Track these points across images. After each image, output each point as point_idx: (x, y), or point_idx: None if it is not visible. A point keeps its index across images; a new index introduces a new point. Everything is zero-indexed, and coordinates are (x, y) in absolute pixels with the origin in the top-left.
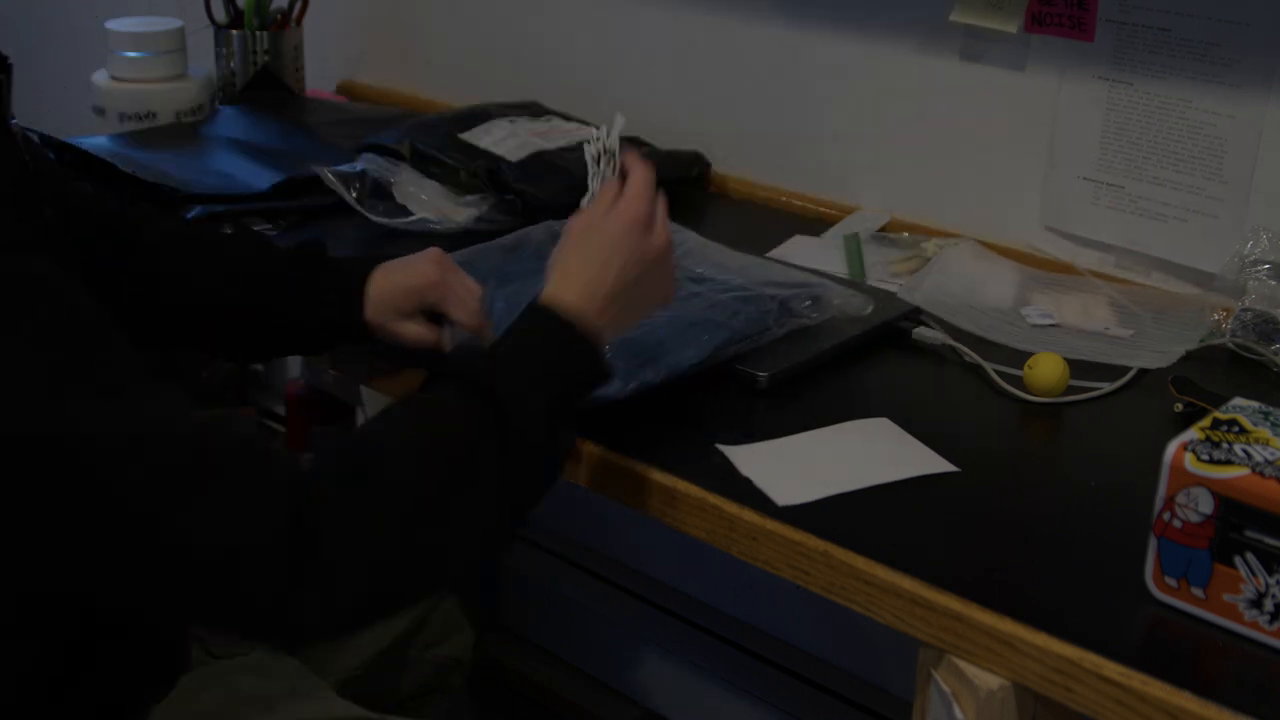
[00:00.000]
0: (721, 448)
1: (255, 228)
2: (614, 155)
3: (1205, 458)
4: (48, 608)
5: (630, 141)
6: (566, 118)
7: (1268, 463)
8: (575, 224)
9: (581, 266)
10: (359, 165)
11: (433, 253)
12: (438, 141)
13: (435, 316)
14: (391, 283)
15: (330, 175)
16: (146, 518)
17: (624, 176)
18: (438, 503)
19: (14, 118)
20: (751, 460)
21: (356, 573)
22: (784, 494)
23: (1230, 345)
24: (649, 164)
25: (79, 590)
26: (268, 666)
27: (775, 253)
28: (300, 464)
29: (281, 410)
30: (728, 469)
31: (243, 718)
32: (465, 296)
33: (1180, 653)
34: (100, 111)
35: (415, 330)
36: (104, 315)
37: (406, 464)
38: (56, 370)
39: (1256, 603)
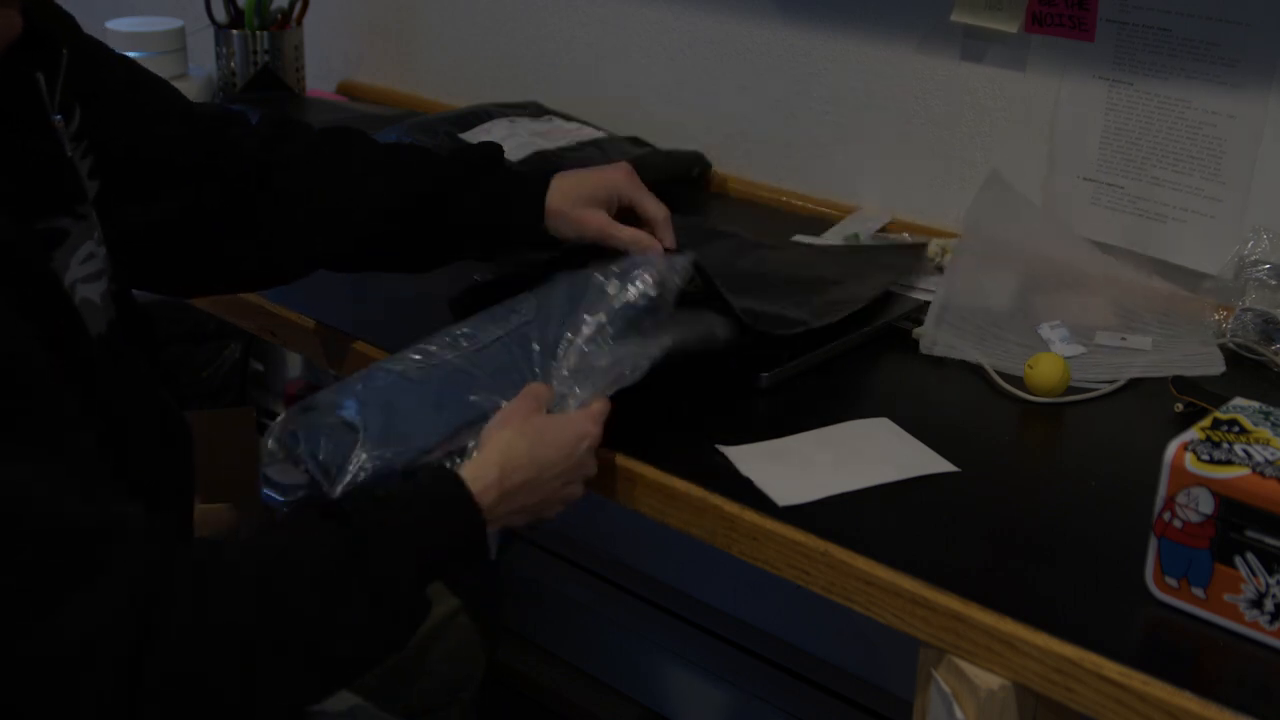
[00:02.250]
0: (721, 448)
1: None
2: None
3: (1206, 458)
4: None
5: (630, 141)
6: (567, 118)
7: (1268, 463)
8: (523, 409)
9: (507, 451)
10: None
11: (624, 165)
12: (438, 142)
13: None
14: (578, 178)
15: None
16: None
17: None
18: (274, 630)
19: (58, 114)
20: (751, 460)
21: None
22: (784, 494)
23: (1230, 345)
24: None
25: None
26: None
27: None
28: (145, 566)
29: (282, 410)
30: (728, 469)
31: None
32: (656, 206)
33: (1181, 653)
34: None
35: (599, 219)
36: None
37: (251, 596)
38: None
39: (1257, 603)
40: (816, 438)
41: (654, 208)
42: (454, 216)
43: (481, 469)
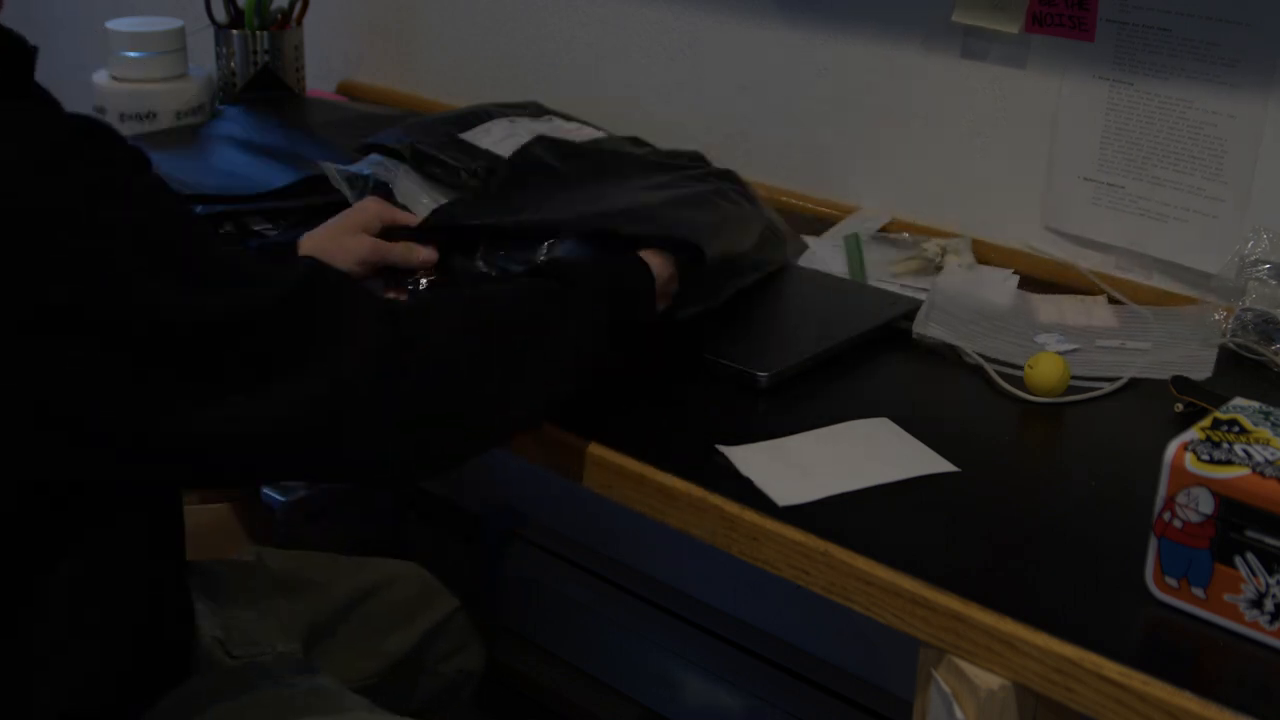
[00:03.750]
0: (721, 448)
1: (255, 227)
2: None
3: (1205, 458)
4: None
5: (630, 141)
6: (567, 118)
7: (1268, 463)
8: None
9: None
10: (365, 169)
11: (371, 197)
12: (438, 141)
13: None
14: (330, 223)
15: (336, 175)
16: (251, 385)
17: None
18: (501, 376)
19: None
20: (751, 460)
21: (439, 415)
22: (784, 494)
23: (1230, 345)
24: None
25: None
26: (285, 667)
27: None
28: (389, 319)
29: None
30: (728, 469)
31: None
32: (406, 253)
33: (1181, 653)
34: (100, 111)
35: (366, 241)
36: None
37: (477, 341)
38: (159, 261)
39: (1257, 603)
40: (816, 438)
41: (408, 218)
42: None
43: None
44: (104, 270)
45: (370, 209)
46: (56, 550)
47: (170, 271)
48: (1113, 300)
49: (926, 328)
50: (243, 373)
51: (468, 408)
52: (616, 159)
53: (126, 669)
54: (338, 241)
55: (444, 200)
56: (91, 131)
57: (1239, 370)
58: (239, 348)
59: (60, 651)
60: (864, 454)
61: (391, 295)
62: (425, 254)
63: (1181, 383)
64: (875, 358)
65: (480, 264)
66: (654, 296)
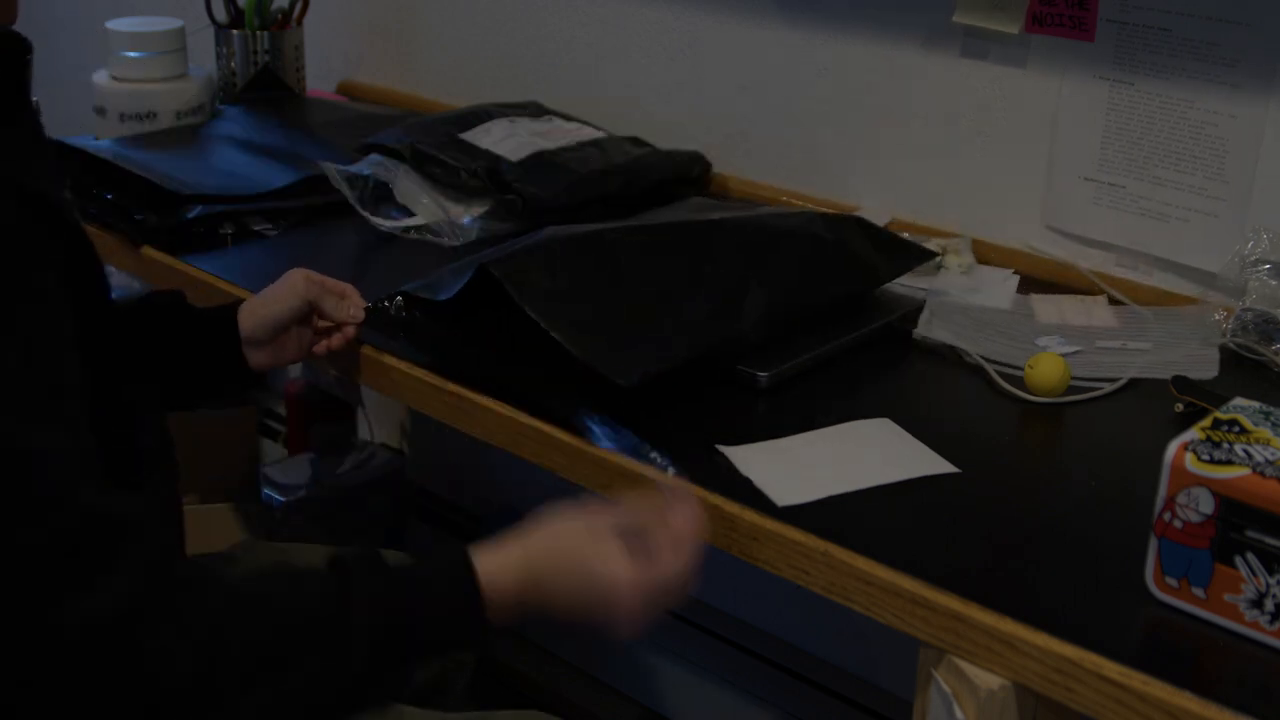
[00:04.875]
0: (721, 448)
1: (255, 227)
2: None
3: (1206, 458)
4: None
5: (631, 141)
6: (567, 118)
7: (1268, 463)
8: (591, 531)
9: (549, 575)
10: (365, 169)
11: (296, 270)
12: (438, 141)
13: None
14: (258, 305)
15: (336, 175)
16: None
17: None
18: (232, 686)
19: (36, 99)
20: (751, 460)
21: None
22: (784, 494)
23: (1231, 345)
24: (695, 505)
25: None
26: None
27: None
28: (127, 597)
29: (282, 410)
30: (728, 469)
31: None
32: (339, 284)
33: (1181, 653)
34: (100, 111)
35: (299, 338)
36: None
37: (217, 640)
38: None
39: (1257, 603)
40: (816, 438)
41: (338, 285)
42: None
43: (496, 562)
44: None
45: (297, 284)
46: None
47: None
48: (1113, 300)
49: (927, 328)
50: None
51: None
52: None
53: None
54: (271, 293)
55: (444, 200)
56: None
57: (1239, 370)
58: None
59: None
60: (864, 454)
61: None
62: (355, 309)
63: (1182, 383)
64: (875, 358)
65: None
66: (472, 619)
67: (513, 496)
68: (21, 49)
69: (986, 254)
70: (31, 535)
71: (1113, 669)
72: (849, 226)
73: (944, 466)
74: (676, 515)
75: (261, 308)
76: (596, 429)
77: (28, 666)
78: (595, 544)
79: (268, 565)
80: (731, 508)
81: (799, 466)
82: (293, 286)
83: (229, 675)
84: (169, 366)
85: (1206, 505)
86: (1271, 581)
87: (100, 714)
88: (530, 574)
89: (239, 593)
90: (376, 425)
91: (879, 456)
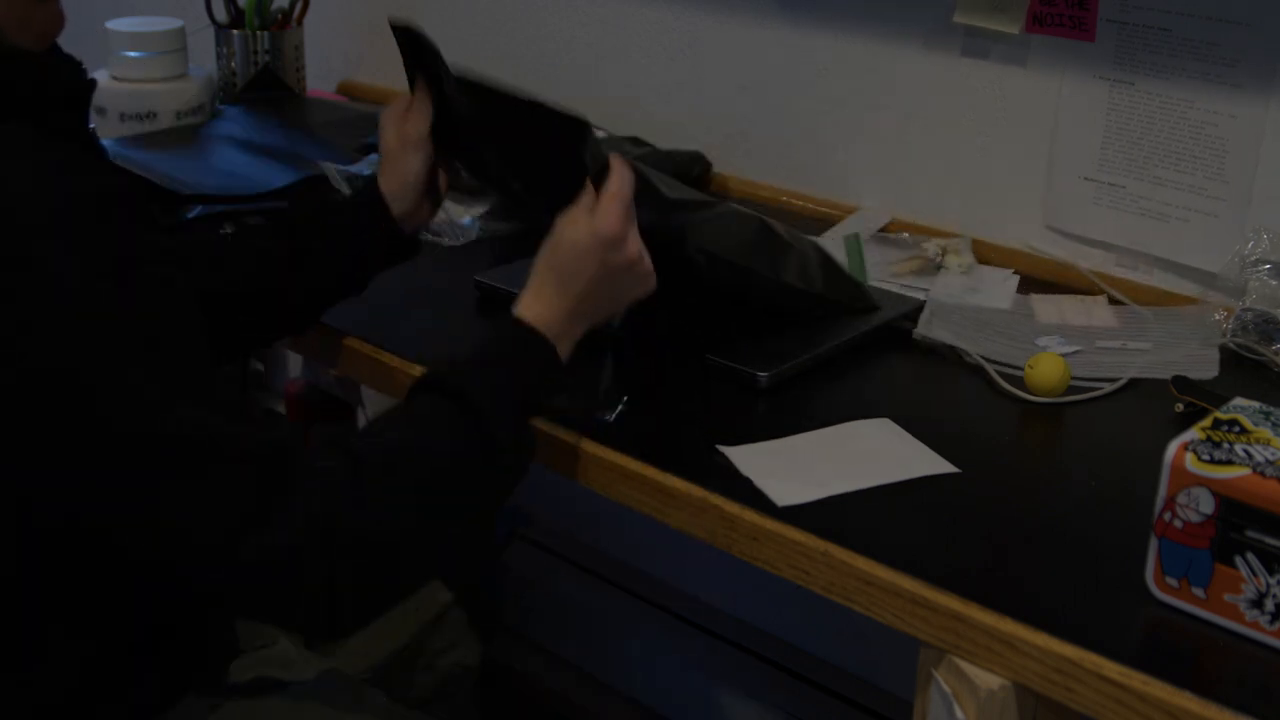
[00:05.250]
0: (721, 448)
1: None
2: (598, 161)
3: (1206, 458)
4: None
5: (631, 141)
6: None
7: (1268, 463)
8: (555, 231)
9: (550, 280)
10: (365, 169)
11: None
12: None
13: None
14: (399, 183)
15: (336, 175)
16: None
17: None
18: (434, 504)
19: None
20: (751, 460)
21: (374, 572)
22: (784, 494)
23: (1231, 345)
24: (627, 169)
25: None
26: (293, 659)
27: None
28: (316, 475)
29: (282, 410)
30: (728, 469)
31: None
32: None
33: (1181, 653)
34: (100, 111)
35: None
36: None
37: (406, 473)
38: (163, 373)
39: (1257, 603)
40: (817, 438)
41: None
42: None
43: (533, 305)
44: (81, 348)
45: (387, 122)
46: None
47: (154, 371)
48: (1113, 300)
49: (928, 328)
50: (192, 494)
51: (408, 563)
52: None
53: (145, 662)
54: (398, 164)
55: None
56: (114, 201)
57: (1239, 370)
58: (195, 472)
59: (76, 648)
60: (864, 454)
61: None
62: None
63: (1182, 383)
64: (875, 358)
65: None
66: (558, 367)
67: (513, 496)
68: (86, 87)
69: (986, 254)
70: (223, 480)
71: (1113, 669)
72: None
73: (944, 466)
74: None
75: (397, 179)
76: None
77: (251, 586)
78: (569, 233)
79: (384, 424)
80: (731, 508)
81: (799, 466)
82: (406, 138)
83: (424, 519)
84: (336, 267)
85: (1206, 505)
86: (1271, 581)
87: (342, 592)
88: (557, 306)
89: (390, 454)
90: None
91: (879, 456)
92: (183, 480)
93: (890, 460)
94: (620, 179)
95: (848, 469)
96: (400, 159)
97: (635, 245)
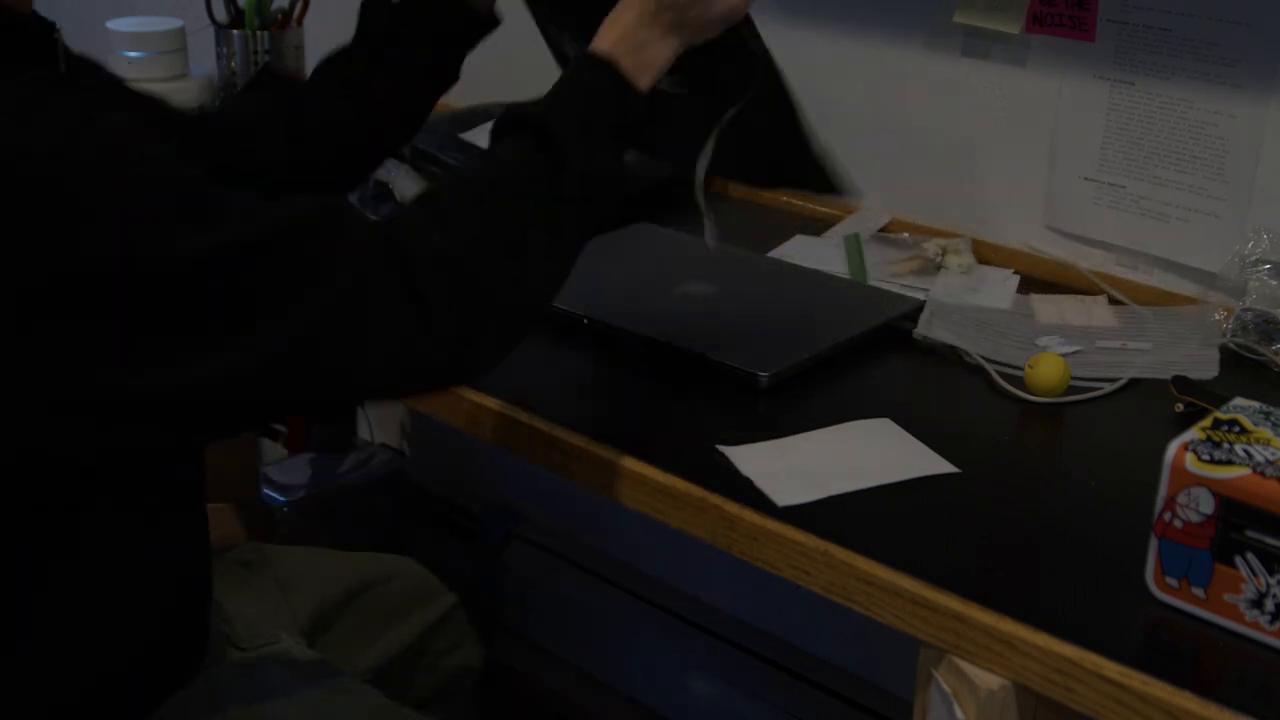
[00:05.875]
0: (721, 448)
1: None
2: None
3: (1206, 458)
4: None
5: None
6: None
7: (1268, 463)
8: None
9: (633, 4)
10: None
11: None
12: (438, 141)
13: None
14: None
15: None
16: (275, 311)
17: None
18: (516, 237)
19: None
20: (751, 460)
21: (466, 310)
22: (784, 494)
23: (1231, 345)
24: None
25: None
26: (295, 658)
27: (776, 252)
28: (383, 227)
29: None
30: (728, 469)
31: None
32: None
33: (1181, 653)
34: None
35: None
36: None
37: (481, 210)
38: (171, 208)
39: (1257, 603)
40: (817, 438)
41: None
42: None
43: (605, 33)
44: (89, 216)
45: None
46: (74, 537)
47: (161, 211)
48: (1113, 300)
49: (927, 328)
50: (249, 302)
51: (483, 315)
52: None
53: (145, 660)
54: None
55: None
56: (67, 81)
57: (1239, 370)
58: (243, 280)
59: (77, 643)
60: (864, 454)
61: None
62: None
63: (1182, 383)
64: (875, 358)
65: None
66: (631, 90)
67: (512, 496)
68: (46, 28)
69: (986, 254)
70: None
71: (1113, 669)
72: None
73: (944, 466)
74: None
75: None
76: None
77: (334, 320)
78: None
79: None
80: (732, 508)
81: (799, 466)
82: None
83: (504, 250)
84: (422, 62)
85: (1207, 505)
86: (1271, 581)
87: (427, 310)
88: (627, 37)
89: (465, 192)
90: (376, 425)
91: (879, 456)
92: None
93: (890, 460)
94: None
95: (848, 469)
96: None
97: None
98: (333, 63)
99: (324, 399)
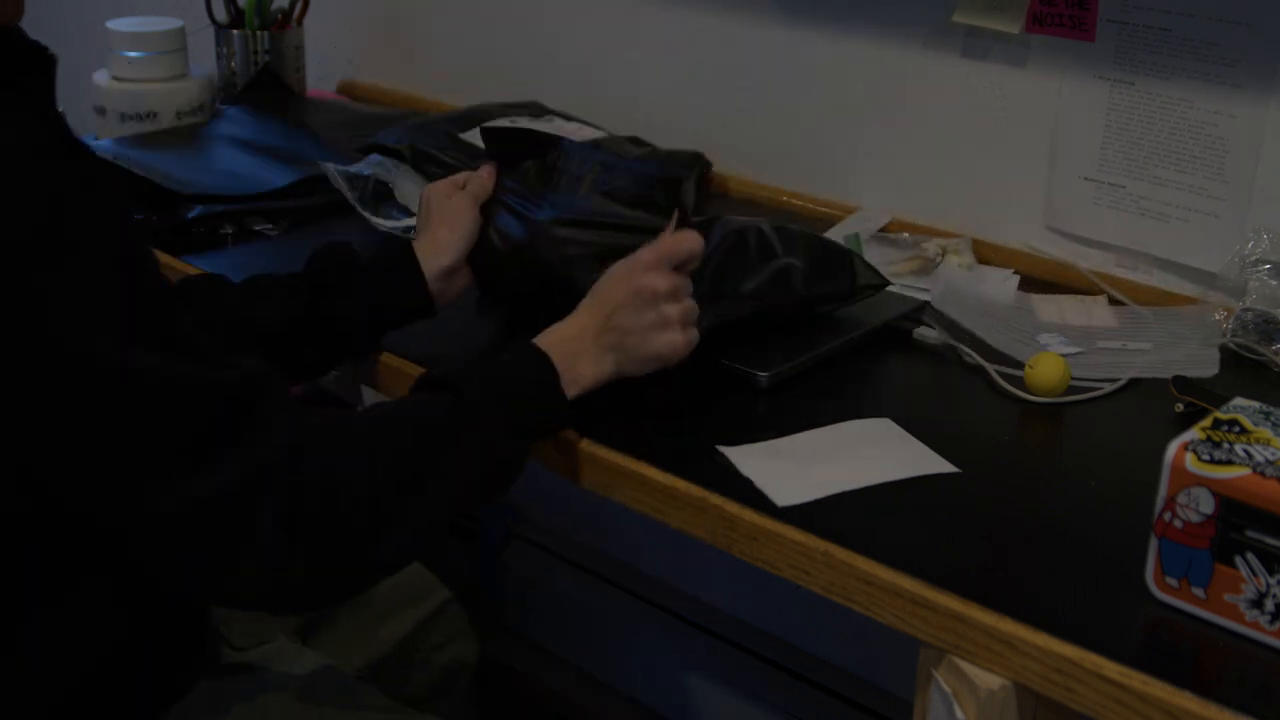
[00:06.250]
0: (722, 448)
1: (255, 227)
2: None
3: (1206, 458)
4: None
5: (630, 141)
6: (567, 118)
7: (1268, 463)
8: (609, 271)
9: (580, 317)
10: (365, 169)
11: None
12: (438, 141)
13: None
14: (433, 237)
15: (337, 175)
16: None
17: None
18: (399, 490)
19: (61, 109)
20: (751, 460)
21: (333, 552)
22: (784, 494)
23: (1231, 345)
24: (687, 236)
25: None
26: (290, 656)
27: None
28: (288, 439)
29: None
30: (728, 469)
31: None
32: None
33: (1181, 653)
34: (101, 111)
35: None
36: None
37: (374, 457)
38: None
39: (1257, 603)
40: (816, 438)
41: (472, 177)
42: (338, 326)
43: (552, 331)
44: (38, 317)
45: (461, 208)
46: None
47: (110, 325)
48: (1113, 300)
49: (928, 328)
50: (161, 446)
51: (369, 523)
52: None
53: (141, 662)
54: (447, 203)
55: None
56: (60, 161)
57: (1239, 370)
58: (168, 418)
59: (73, 646)
60: (864, 454)
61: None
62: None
63: (1182, 383)
64: (875, 358)
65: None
66: (557, 388)
67: (512, 496)
68: (47, 63)
69: (987, 254)
70: (186, 415)
71: (1113, 669)
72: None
73: (944, 466)
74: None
75: (444, 253)
76: None
77: (206, 522)
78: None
79: (375, 408)
80: (731, 508)
81: (799, 466)
82: (459, 215)
83: (393, 484)
84: (357, 322)
85: (1207, 505)
86: (1272, 581)
87: (298, 540)
88: (572, 344)
89: (374, 419)
90: None
91: (879, 456)
92: (121, 418)
93: (890, 460)
94: (667, 243)
95: (848, 469)
96: (451, 213)
97: (677, 304)
98: (263, 284)
99: (185, 581)
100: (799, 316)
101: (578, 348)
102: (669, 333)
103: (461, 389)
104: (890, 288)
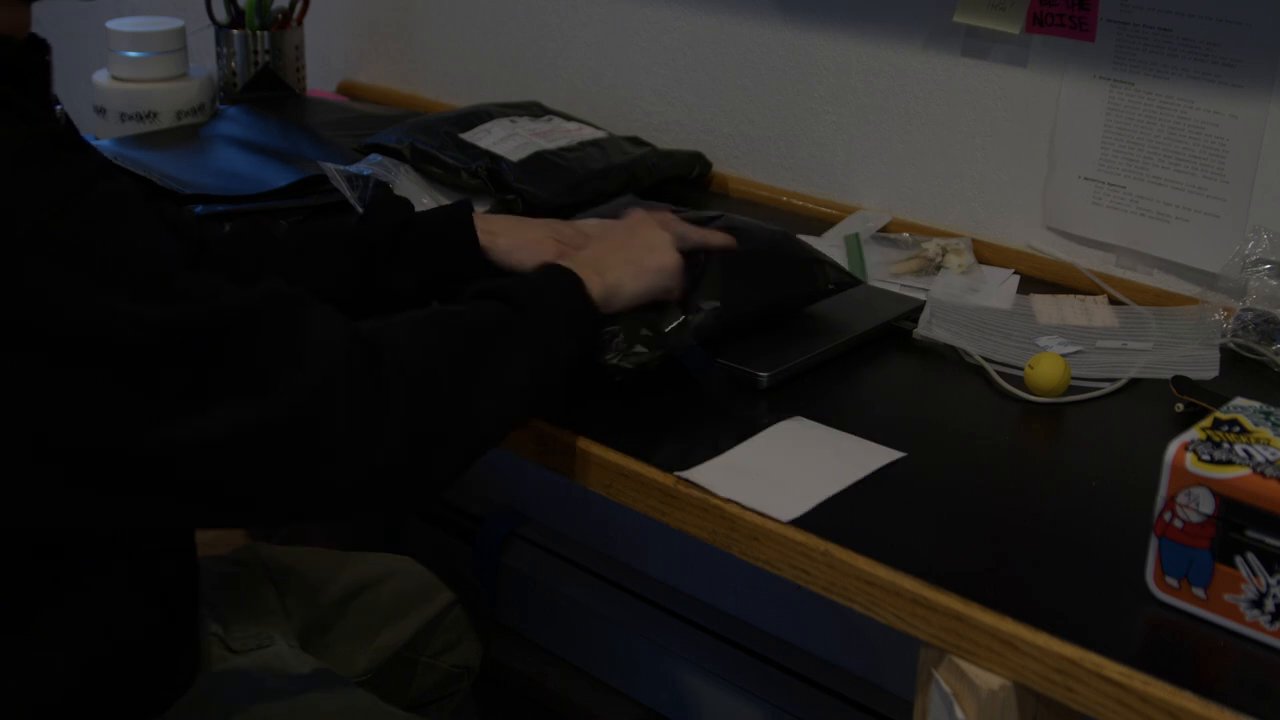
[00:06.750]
0: (682, 473)
1: None
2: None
3: (1206, 458)
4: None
5: (630, 141)
6: (567, 118)
7: (1269, 463)
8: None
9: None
10: (365, 169)
11: (546, 239)
12: (438, 141)
13: None
14: (513, 257)
15: (337, 175)
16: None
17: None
18: (473, 367)
19: (59, 102)
20: (723, 480)
21: (428, 419)
22: (784, 509)
23: (1231, 345)
24: (718, 235)
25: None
26: (288, 660)
27: None
28: (353, 339)
29: None
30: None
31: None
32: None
33: (1181, 653)
34: (100, 111)
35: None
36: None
37: (446, 336)
38: (138, 282)
39: (1258, 603)
40: (763, 448)
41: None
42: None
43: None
44: (44, 283)
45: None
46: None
47: (111, 282)
48: (1113, 300)
49: (927, 328)
50: (185, 387)
51: (443, 423)
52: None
53: (136, 665)
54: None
55: (444, 201)
56: (46, 143)
57: (1239, 370)
58: (185, 362)
59: (69, 651)
60: (818, 454)
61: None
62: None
63: (1182, 383)
64: (875, 358)
65: None
66: (584, 292)
67: (512, 496)
68: (40, 50)
69: (986, 254)
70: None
71: (1113, 669)
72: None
73: (891, 454)
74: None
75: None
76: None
77: (301, 409)
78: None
79: (423, 312)
80: (732, 508)
81: (775, 479)
82: (535, 249)
83: (464, 369)
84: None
85: (1207, 505)
86: (1272, 581)
87: (386, 416)
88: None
89: (431, 318)
90: None
91: (829, 455)
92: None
93: (842, 456)
94: (708, 234)
95: (822, 471)
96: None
97: (666, 235)
98: (321, 240)
99: (285, 493)
100: (770, 313)
101: (588, 270)
102: (662, 252)
103: (510, 296)
104: (890, 288)
